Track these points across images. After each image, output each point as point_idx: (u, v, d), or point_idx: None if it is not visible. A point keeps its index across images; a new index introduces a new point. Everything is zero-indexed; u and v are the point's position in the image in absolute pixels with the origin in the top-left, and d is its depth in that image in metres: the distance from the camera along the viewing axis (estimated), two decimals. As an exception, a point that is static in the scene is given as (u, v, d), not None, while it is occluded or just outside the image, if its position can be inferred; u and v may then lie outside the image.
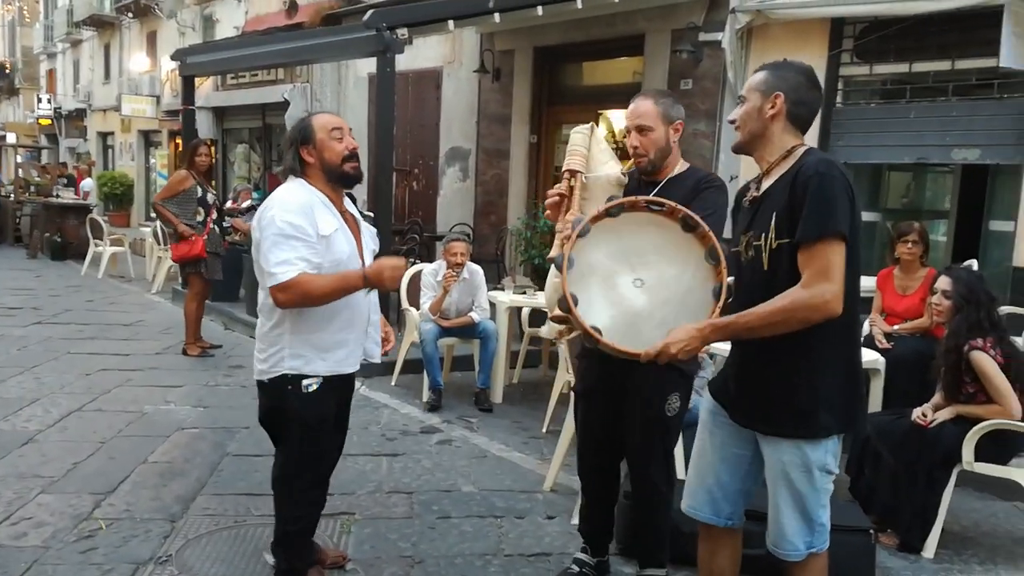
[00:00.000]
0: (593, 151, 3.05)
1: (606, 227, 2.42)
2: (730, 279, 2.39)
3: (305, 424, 2.93)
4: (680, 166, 3.06)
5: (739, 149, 2.49)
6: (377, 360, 3.20)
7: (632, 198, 2.48)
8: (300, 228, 2.74)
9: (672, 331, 2.26)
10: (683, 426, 3.97)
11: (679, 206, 2.40)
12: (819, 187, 2.17)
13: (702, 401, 2.66)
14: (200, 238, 6.99)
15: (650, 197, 2.47)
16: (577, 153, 3.02)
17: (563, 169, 3.03)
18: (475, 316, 5.97)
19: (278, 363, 2.88)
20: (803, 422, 2.30)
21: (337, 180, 2.91)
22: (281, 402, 2.92)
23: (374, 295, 3.04)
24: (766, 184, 2.39)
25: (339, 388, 3.03)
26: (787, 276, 2.23)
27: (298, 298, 2.76)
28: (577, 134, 3.07)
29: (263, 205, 2.88)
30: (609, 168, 3.03)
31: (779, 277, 2.25)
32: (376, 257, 3.04)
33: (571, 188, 2.97)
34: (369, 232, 3.11)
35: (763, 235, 2.30)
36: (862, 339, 5.19)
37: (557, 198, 2.99)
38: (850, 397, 2.35)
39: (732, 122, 2.47)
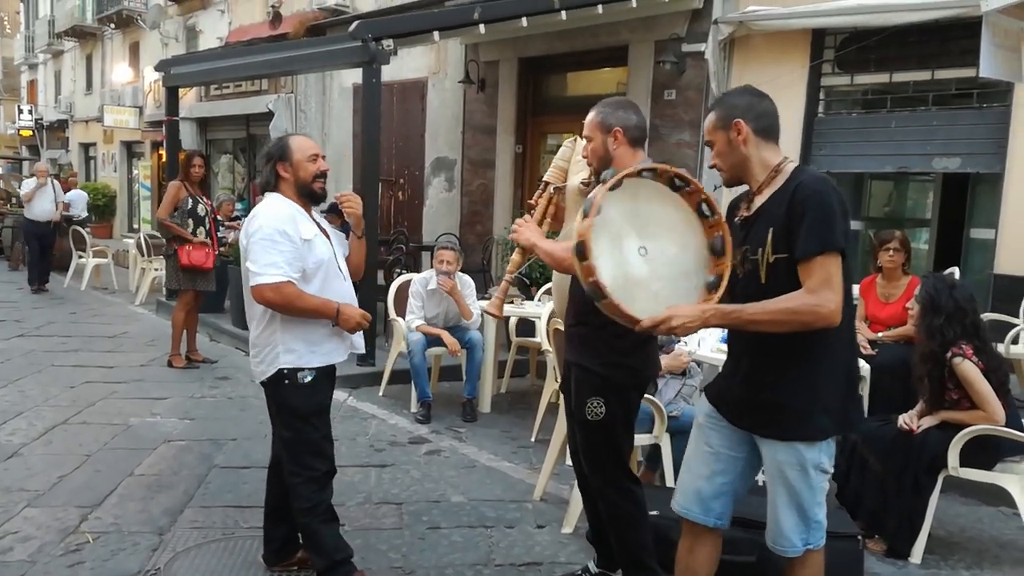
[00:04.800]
0: (572, 161, 3.21)
1: (633, 185, 2.40)
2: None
3: (304, 414, 3.12)
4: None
5: (730, 183, 2.56)
6: (362, 350, 3.44)
7: (663, 165, 2.43)
8: (287, 235, 3.00)
9: (677, 306, 2.27)
10: (673, 433, 4.00)
11: (702, 189, 2.39)
12: (819, 204, 2.26)
13: (698, 404, 2.68)
14: (213, 251, 7.09)
15: (678, 171, 2.41)
16: (556, 165, 3.23)
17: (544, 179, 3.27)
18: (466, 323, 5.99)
19: (273, 360, 3.09)
20: (802, 425, 2.38)
21: (307, 196, 3.17)
22: (280, 397, 3.13)
23: (351, 289, 3.27)
24: (758, 201, 2.45)
25: (330, 377, 3.24)
26: (783, 288, 2.30)
27: (282, 302, 3.00)
28: (563, 147, 3.27)
29: (251, 216, 3.13)
30: (579, 177, 3.15)
31: (774, 289, 2.33)
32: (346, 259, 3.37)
33: (541, 196, 3.17)
34: (337, 238, 3.35)
35: (759, 250, 2.37)
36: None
37: (531, 202, 3.22)
38: (847, 400, 2.42)
39: (713, 166, 2.54)
